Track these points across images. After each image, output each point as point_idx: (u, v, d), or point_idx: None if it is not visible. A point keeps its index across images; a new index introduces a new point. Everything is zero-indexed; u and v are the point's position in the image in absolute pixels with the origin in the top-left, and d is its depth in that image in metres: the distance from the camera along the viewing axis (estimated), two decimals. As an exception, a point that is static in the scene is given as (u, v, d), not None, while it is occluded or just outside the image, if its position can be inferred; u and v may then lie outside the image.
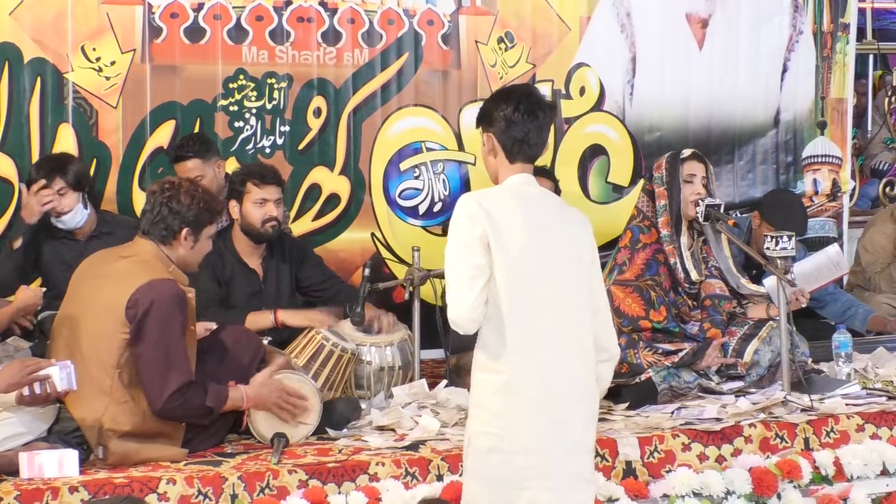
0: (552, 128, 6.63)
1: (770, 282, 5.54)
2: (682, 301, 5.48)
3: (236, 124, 6.25)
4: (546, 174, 6.23)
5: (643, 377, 5.20)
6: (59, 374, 4.22)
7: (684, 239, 5.46)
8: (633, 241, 5.44)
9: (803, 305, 5.62)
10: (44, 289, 5.17)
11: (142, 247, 4.57)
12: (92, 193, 5.71)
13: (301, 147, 6.38)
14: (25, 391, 4.22)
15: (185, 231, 4.56)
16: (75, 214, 5.52)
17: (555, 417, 3.53)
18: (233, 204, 5.53)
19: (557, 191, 6.27)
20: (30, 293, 5.09)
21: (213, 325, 4.83)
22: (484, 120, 3.69)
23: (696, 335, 5.36)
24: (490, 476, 3.54)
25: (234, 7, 6.22)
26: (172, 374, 4.38)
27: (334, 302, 5.69)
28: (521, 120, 3.62)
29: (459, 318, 3.53)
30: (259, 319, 5.43)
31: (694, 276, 5.45)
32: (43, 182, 5.42)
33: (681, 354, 5.21)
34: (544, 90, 6.77)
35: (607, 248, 6.70)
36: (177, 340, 4.41)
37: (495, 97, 3.72)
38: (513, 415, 3.51)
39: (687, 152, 5.52)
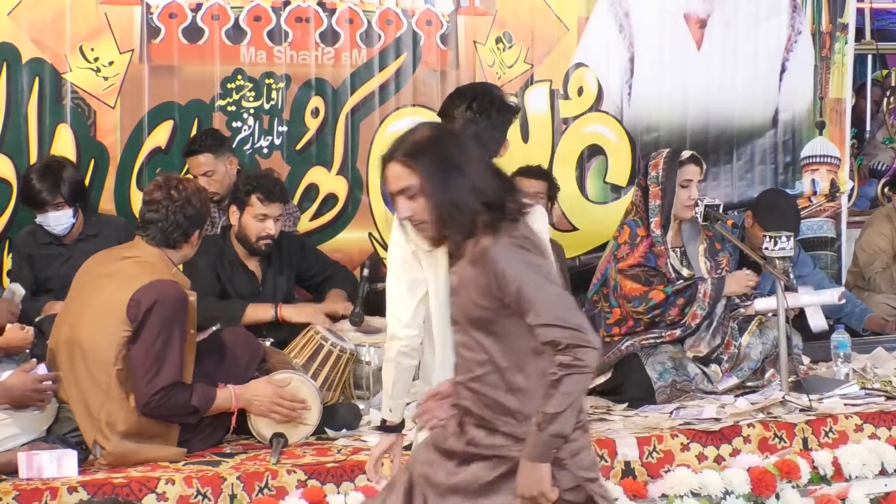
0: (552, 127, 6.79)
1: (762, 304, 5.51)
2: None
3: (234, 124, 6.24)
4: (537, 174, 6.18)
5: (623, 346, 5.32)
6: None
7: (670, 238, 5.45)
8: (632, 237, 5.44)
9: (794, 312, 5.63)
10: (32, 329, 5.00)
11: (144, 248, 4.58)
12: (87, 199, 5.69)
13: (299, 147, 6.37)
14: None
15: (196, 234, 4.63)
16: (62, 222, 5.50)
17: None
18: (233, 209, 5.51)
19: (552, 190, 6.26)
20: (19, 335, 4.83)
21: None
22: None
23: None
24: None
25: (232, 7, 6.21)
26: (162, 373, 4.39)
27: (333, 284, 5.72)
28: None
29: (397, 332, 3.58)
30: (260, 311, 5.44)
31: (685, 272, 5.45)
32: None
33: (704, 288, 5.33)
34: (542, 90, 6.77)
35: (605, 248, 6.71)
36: (173, 341, 4.42)
37: None
38: None
39: (686, 155, 5.47)
